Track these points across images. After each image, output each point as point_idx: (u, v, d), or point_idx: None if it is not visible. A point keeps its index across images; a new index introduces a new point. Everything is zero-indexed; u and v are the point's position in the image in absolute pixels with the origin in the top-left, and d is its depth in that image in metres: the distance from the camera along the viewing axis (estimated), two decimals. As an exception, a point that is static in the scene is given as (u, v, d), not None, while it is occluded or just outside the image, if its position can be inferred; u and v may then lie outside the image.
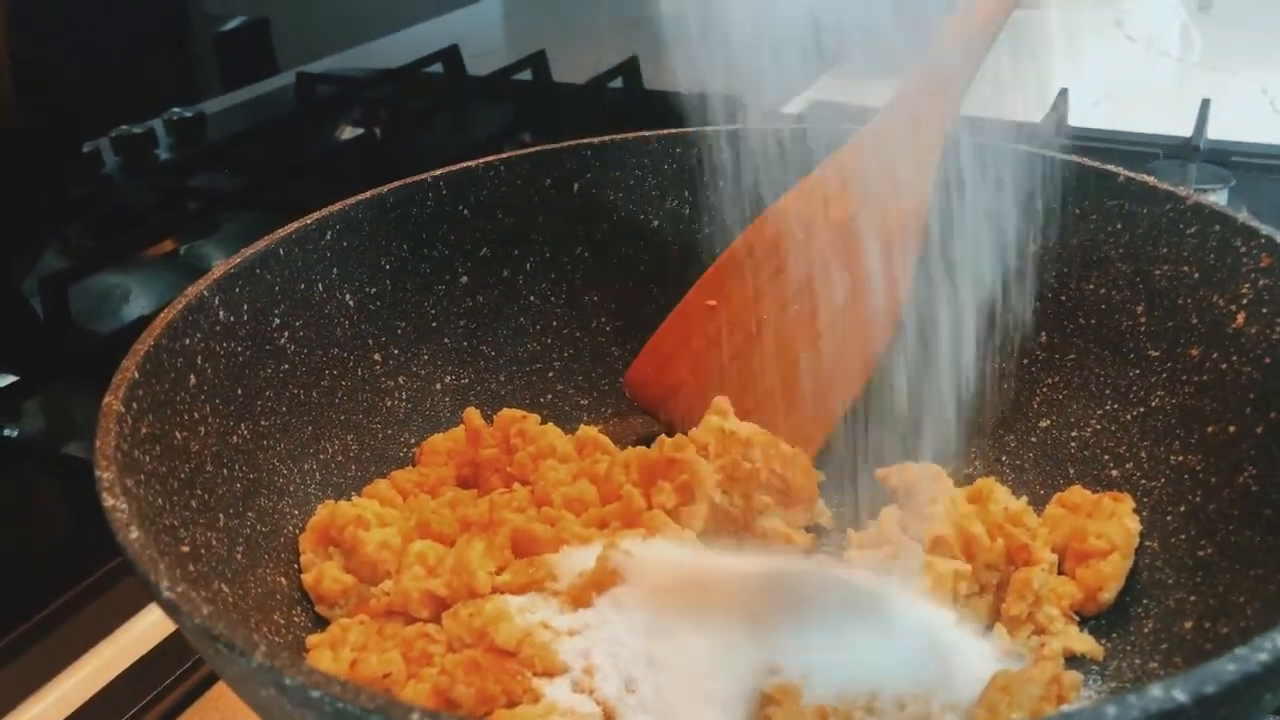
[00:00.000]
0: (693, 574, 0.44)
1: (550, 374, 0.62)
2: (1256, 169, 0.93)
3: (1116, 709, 0.27)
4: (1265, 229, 0.47)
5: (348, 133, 1.11)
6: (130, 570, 0.34)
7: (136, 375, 0.42)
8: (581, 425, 0.59)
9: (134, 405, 0.41)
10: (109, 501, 0.35)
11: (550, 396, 0.62)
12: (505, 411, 0.57)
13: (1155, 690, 0.27)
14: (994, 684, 0.39)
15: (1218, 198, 0.87)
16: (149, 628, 0.56)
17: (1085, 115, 1.09)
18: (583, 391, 0.63)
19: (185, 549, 0.40)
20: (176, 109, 1.11)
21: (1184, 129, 0.97)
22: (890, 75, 0.57)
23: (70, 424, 0.69)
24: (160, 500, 0.40)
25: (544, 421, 0.57)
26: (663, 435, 0.54)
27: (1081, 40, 1.43)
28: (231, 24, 1.27)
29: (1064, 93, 1.05)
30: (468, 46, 1.22)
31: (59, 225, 0.90)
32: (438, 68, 1.19)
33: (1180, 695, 0.27)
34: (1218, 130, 0.98)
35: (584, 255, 0.62)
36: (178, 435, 0.44)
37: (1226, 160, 0.93)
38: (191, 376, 0.46)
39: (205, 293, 0.48)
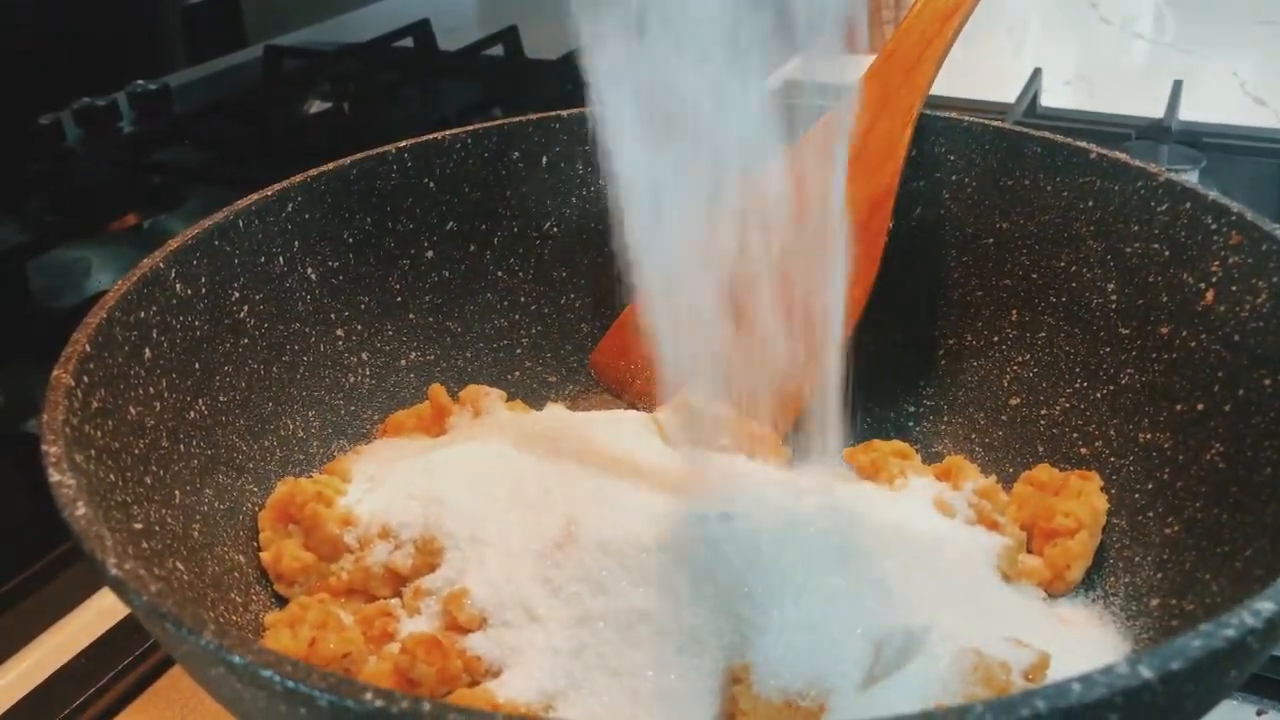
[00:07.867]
0: (655, 537, 0.42)
1: (517, 350, 0.61)
2: (1227, 150, 0.93)
3: (1081, 686, 0.26)
4: (1235, 206, 0.47)
5: (316, 107, 1.09)
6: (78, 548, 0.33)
7: (88, 348, 0.41)
8: (549, 402, 0.58)
9: (85, 379, 0.40)
10: (55, 477, 0.34)
11: (517, 373, 0.61)
12: (471, 387, 0.56)
13: (1121, 667, 0.27)
14: (961, 662, 0.38)
15: (1188, 179, 0.87)
16: (109, 607, 0.55)
17: (1058, 96, 1.09)
18: (550, 368, 0.62)
19: (138, 526, 0.39)
20: (141, 81, 1.09)
21: (1156, 110, 0.98)
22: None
23: (29, 401, 0.68)
24: (112, 476, 0.39)
25: (510, 398, 0.57)
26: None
27: (1055, 21, 1.43)
28: (202, -5, 1.24)
29: (1037, 73, 1.05)
30: (439, 21, 1.20)
31: (17, 199, 0.88)
32: (408, 42, 1.17)
33: (1146, 671, 0.27)
34: (1189, 112, 0.98)
35: (553, 230, 0.61)
36: (132, 410, 0.43)
37: (1198, 141, 0.93)
38: (147, 350, 0.45)
39: (161, 265, 0.46)
